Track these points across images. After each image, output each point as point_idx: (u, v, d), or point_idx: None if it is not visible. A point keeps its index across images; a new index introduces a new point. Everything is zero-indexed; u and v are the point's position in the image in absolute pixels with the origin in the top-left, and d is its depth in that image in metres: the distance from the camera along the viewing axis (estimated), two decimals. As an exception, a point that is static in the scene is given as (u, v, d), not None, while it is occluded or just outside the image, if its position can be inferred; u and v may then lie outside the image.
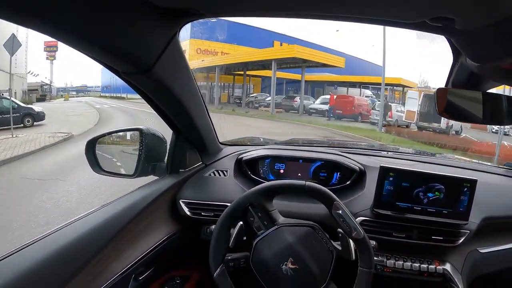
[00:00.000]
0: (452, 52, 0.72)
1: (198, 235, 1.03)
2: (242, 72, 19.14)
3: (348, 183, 1.11)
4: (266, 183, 0.84)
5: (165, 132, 1.05)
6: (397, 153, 1.30)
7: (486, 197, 1.05)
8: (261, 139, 1.51)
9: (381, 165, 0.96)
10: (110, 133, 1.08)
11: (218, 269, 0.77)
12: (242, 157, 1.14)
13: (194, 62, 17.84)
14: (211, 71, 17.33)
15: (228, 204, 0.83)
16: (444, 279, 0.99)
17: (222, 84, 22.30)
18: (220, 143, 1.22)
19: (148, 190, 0.96)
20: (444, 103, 0.74)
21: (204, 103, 0.98)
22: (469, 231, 0.98)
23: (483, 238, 1.08)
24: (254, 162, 1.15)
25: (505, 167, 1.33)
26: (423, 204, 0.96)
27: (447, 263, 1.00)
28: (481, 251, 1.07)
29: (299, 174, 1.14)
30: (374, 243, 0.90)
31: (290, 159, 1.15)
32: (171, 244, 0.99)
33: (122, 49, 0.60)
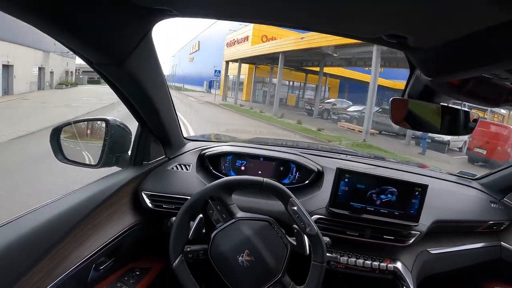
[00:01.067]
0: (409, 66, 0.76)
1: (159, 227, 1.04)
2: (315, 69, 14.87)
3: (306, 182, 1.15)
4: (226, 178, 0.86)
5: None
6: (355, 157, 1.36)
7: (437, 201, 1.12)
8: (226, 136, 1.53)
9: (337, 166, 1.00)
10: (76, 122, 1.07)
11: (177, 260, 0.78)
12: (205, 153, 1.16)
13: (256, 46, 15.92)
14: (275, 62, 14.07)
15: (189, 197, 0.85)
16: (395, 276, 1.04)
17: (292, 83, 20.22)
18: (185, 138, 1.23)
19: (111, 180, 0.96)
20: (402, 113, 0.78)
21: (171, 98, 0.99)
22: (419, 233, 1.03)
23: (434, 240, 1.14)
24: (216, 158, 1.17)
25: (458, 175, 1.41)
26: (376, 205, 1.01)
27: (398, 261, 1.05)
28: (431, 251, 1.14)
29: (259, 172, 1.17)
30: (328, 239, 0.94)
31: (251, 157, 1.18)
32: (133, 236, 1.00)
33: (97, 40, 0.60)
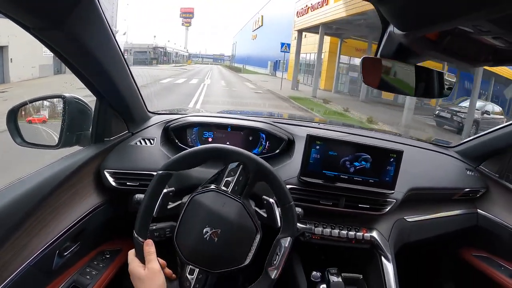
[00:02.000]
0: (381, 22, 0.72)
1: (125, 206, 1.00)
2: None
3: (277, 151, 1.12)
4: (195, 148, 0.78)
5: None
6: (327, 125, 1.33)
7: (413, 169, 1.10)
8: (192, 109, 1.48)
9: (308, 133, 0.96)
10: (31, 101, 1.01)
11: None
12: (170, 125, 1.11)
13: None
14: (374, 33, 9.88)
15: (154, 173, 0.79)
16: (372, 245, 1.03)
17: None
18: (149, 112, 1.18)
19: (70, 160, 0.90)
20: (373, 73, 0.74)
21: (129, 69, 0.93)
22: (395, 200, 1.02)
23: (410, 208, 1.13)
24: (182, 130, 1.12)
25: (433, 142, 1.40)
26: (350, 173, 0.98)
27: (374, 230, 1.04)
28: (408, 219, 1.13)
29: (227, 142, 1.12)
30: (300, 210, 0.90)
31: (219, 127, 1.14)
32: (98, 217, 0.95)
33: (32, 1, 0.55)
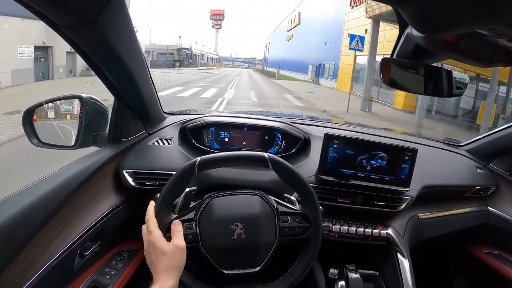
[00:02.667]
0: (399, 23, 0.73)
1: (143, 206, 1.00)
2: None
3: (293, 151, 1.13)
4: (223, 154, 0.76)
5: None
6: (343, 125, 1.34)
7: (425, 167, 1.12)
8: (207, 109, 1.49)
9: (325, 132, 0.97)
10: (47, 102, 1.01)
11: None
12: (187, 125, 1.12)
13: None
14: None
15: (173, 173, 0.79)
16: (388, 242, 1.04)
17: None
18: (164, 112, 1.18)
19: (89, 160, 0.90)
20: (388, 73, 0.76)
21: (148, 69, 0.94)
22: (410, 198, 1.03)
23: (423, 205, 1.15)
24: (199, 130, 1.12)
25: (444, 141, 1.42)
26: (366, 171, 0.99)
27: (390, 227, 1.05)
28: (421, 217, 1.14)
29: (244, 142, 1.14)
30: (321, 208, 0.91)
31: (235, 127, 1.14)
32: (117, 217, 0.95)
33: None
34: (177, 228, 0.66)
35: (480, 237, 1.32)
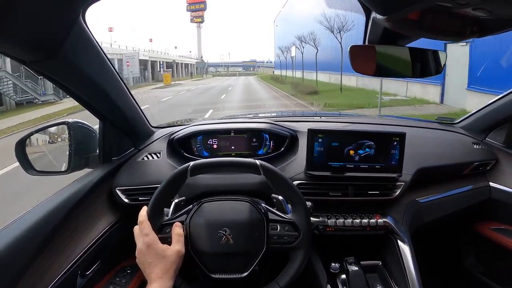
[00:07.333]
0: (363, 10, 0.73)
1: None
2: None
3: (282, 150, 1.13)
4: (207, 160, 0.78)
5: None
6: (328, 117, 1.33)
7: (418, 149, 1.10)
8: (194, 119, 1.50)
9: (308, 127, 0.97)
10: (37, 131, 1.04)
11: None
12: (174, 137, 1.13)
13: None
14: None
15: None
16: (387, 231, 1.03)
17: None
18: (152, 126, 1.20)
19: (82, 182, 0.93)
20: (366, 61, 0.75)
21: (126, 85, 0.95)
22: (404, 183, 1.02)
23: (421, 189, 1.13)
24: (187, 141, 1.14)
25: (436, 121, 1.39)
26: (355, 162, 0.98)
27: (387, 215, 1.04)
28: (420, 201, 1.12)
29: (233, 147, 1.14)
30: (310, 203, 0.91)
31: (222, 133, 1.15)
32: (115, 234, 0.97)
33: (24, 36, 0.56)
34: (178, 231, 0.69)
35: (485, 214, 1.29)
